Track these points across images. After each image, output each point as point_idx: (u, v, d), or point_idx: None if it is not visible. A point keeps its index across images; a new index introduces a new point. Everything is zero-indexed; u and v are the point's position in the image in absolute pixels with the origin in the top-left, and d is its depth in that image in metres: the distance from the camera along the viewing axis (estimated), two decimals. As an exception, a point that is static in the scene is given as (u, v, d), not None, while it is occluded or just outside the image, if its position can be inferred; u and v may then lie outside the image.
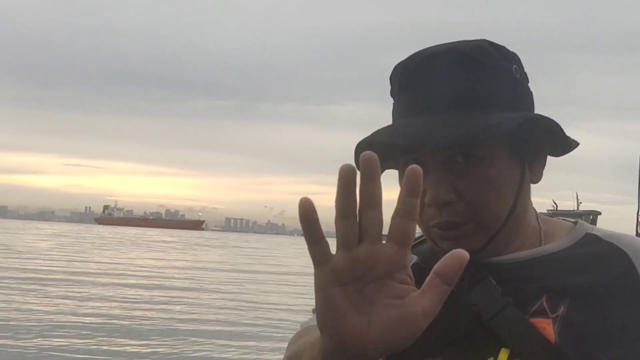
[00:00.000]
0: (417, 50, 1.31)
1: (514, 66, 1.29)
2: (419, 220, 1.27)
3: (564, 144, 1.31)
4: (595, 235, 1.32)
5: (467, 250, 0.95)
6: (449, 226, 1.25)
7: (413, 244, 1.21)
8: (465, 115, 1.21)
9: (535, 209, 1.38)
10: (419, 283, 0.92)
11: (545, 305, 1.22)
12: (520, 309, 1.22)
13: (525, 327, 1.20)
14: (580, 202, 65.94)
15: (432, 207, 1.26)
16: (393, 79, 1.32)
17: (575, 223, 1.37)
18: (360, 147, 1.24)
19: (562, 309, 1.21)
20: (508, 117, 1.22)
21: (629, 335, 1.19)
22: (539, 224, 1.36)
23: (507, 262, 1.29)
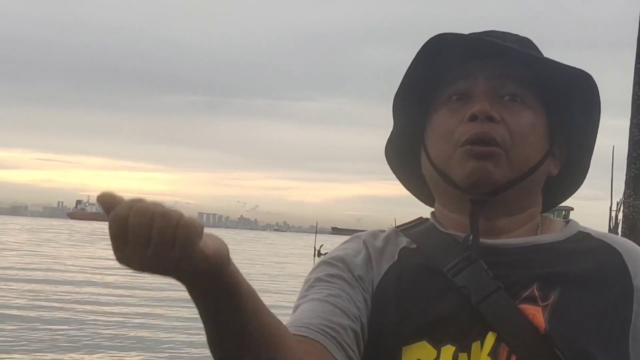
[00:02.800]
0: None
1: None
2: (448, 147, 1.32)
3: (586, 149, 1.41)
4: (587, 233, 1.37)
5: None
6: (485, 138, 1.27)
7: (405, 226, 1.41)
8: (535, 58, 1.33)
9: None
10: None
11: (536, 292, 1.24)
12: (511, 295, 1.24)
13: (514, 312, 1.22)
14: None
15: (474, 121, 1.29)
16: (430, 46, 1.31)
17: (568, 222, 1.40)
18: (441, 38, 1.30)
19: (553, 298, 1.23)
20: (565, 66, 1.31)
21: (617, 328, 1.23)
22: (538, 216, 1.39)
23: (501, 246, 1.31)
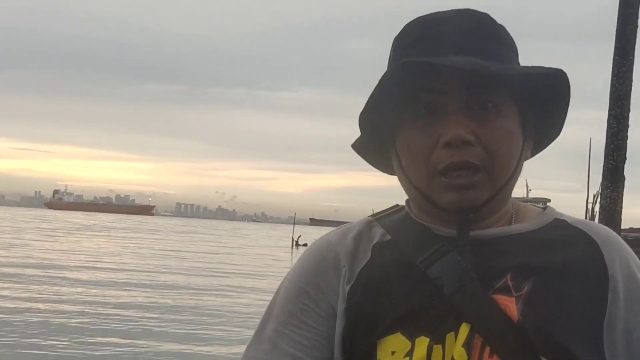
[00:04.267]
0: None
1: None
2: (424, 169, 1.29)
3: (556, 118, 1.38)
4: (564, 221, 1.36)
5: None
6: (463, 166, 1.26)
7: (381, 215, 1.41)
8: (490, 62, 1.27)
9: None
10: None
11: (510, 283, 1.23)
12: (485, 285, 1.24)
13: (487, 303, 1.22)
14: (530, 190, 67.25)
15: (448, 148, 1.26)
16: (410, 30, 1.34)
17: (545, 208, 1.40)
18: (400, 67, 1.26)
19: (526, 288, 1.23)
20: (534, 68, 1.29)
21: (591, 317, 1.23)
22: (511, 204, 1.38)
23: (475, 237, 1.29)
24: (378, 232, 1.38)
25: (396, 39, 1.36)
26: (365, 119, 1.35)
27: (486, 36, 1.31)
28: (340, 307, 1.31)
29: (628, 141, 10.56)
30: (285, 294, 1.36)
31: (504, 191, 1.31)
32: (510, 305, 1.21)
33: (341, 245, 1.37)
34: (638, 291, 1.27)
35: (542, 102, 1.34)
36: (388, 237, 1.36)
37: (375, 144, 1.40)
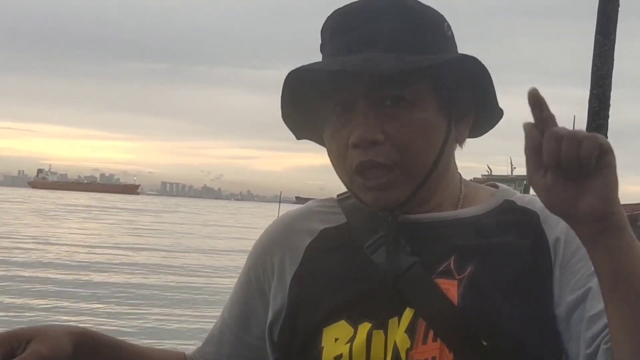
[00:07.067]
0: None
1: (445, 24, 1.34)
2: (343, 167, 1.30)
3: (491, 103, 1.35)
4: (512, 202, 1.34)
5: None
6: (371, 166, 1.25)
7: (344, 196, 1.41)
8: (398, 55, 1.25)
9: (460, 174, 1.41)
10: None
11: (453, 266, 1.24)
12: (428, 269, 1.24)
13: (429, 287, 1.22)
14: (515, 167, 66.86)
15: (357, 149, 1.26)
16: (326, 26, 1.34)
17: (497, 187, 1.39)
18: (294, 76, 1.27)
19: (468, 271, 1.23)
20: (438, 57, 1.27)
21: (532, 298, 1.22)
22: (460, 188, 1.38)
23: (420, 221, 1.31)
24: (335, 214, 1.40)
25: (321, 31, 1.36)
26: (288, 120, 1.38)
27: (399, 26, 1.28)
28: (283, 291, 1.36)
29: (611, 119, 10.67)
30: (243, 269, 1.47)
31: (431, 181, 1.30)
32: (452, 289, 1.22)
33: (294, 228, 1.41)
34: (573, 258, 1.24)
35: (463, 85, 1.31)
36: (343, 220, 1.38)
37: (309, 133, 1.42)
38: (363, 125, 1.25)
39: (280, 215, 1.48)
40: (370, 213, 1.33)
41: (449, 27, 1.34)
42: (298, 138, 1.42)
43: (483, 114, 1.37)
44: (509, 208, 1.33)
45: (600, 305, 1.13)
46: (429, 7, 1.34)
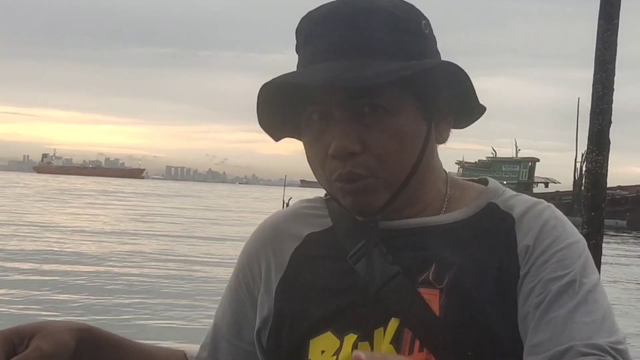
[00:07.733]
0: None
1: (423, 22, 1.29)
2: (323, 174, 1.28)
3: (471, 103, 1.32)
4: (495, 206, 1.31)
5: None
6: (351, 177, 1.24)
7: (327, 197, 1.39)
8: (368, 62, 1.21)
9: (446, 172, 1.38)
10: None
11: (432, 276, 1.23)
12: (410, 279, 1.23)
13: (412, 297, 1.22)
14: (519, 150, 66.83)
15: (335, 159, 1.24)
16: (300, 29, 1.31)
17: (486, 185, 1.37)
18: (265, 89, 1.25)
19: (447, 280, 1.22)
20: (411, 64, 1.21)
21: (508, 309, 1.20)
22: (446, 189, 1.35)
23: (401, 228, 1.29)
24: (321, 217, 1.38)
25: (295, 33, 1.33)
26: (265, 124, 1.34)
27: (374, 33, 1.24)
28: (269, 299, 1.36)
29: (615, 102, 10.84)
30: (232, 273, 1.46)
31: (411, 185, 1.28)
32: (434, 299, 1.21)
33: (280, 233, 1.40)
34: (533, 265, 1.23)
35: (442, 88, 1.28)
36: (329, 225, 1.36)
37: (288, 133, 1.38)
38: (340, 137, 1.23)
39: (267, 217, 1.47)
40: (350, 219, 1.33)
41: (427, 25, 1.30)
42: (276, 140, 1.39)
43: (464, 112, 1.35)
44: (490, 213, 1.30)
45: (540, 336, 1.16)
46: (405, 4, 1.30)
